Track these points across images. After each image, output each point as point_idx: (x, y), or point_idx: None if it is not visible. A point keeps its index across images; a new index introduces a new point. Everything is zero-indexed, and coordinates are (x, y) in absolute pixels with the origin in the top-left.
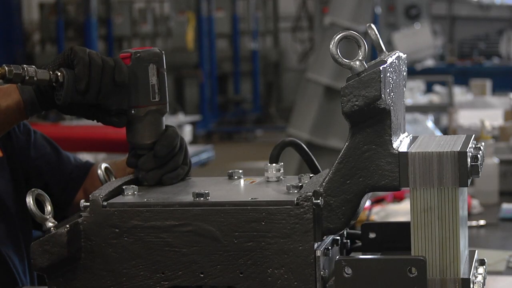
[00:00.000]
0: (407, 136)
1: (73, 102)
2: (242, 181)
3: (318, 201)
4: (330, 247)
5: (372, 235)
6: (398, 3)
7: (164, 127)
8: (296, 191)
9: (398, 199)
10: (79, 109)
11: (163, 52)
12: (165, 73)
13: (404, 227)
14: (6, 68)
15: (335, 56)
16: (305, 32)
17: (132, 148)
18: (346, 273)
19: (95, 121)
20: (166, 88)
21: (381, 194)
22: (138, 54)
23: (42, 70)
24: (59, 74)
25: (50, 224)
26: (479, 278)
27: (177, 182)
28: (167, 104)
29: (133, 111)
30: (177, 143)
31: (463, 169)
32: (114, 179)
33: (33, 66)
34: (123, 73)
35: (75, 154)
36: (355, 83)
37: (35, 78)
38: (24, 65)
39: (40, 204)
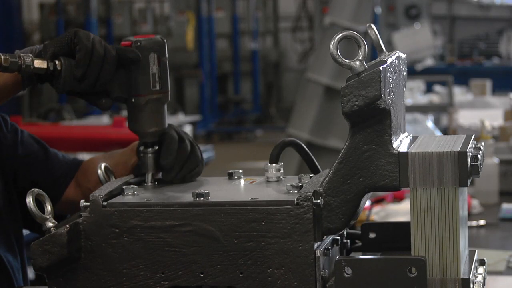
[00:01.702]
0: (407, 136)
1: (72, 90)
2: (242, 181)
3: (318, 201)
4: (330, 247)
5: (372, 235)
6: (398, 3)
7: (166, 115)
8: (296, 191)
9: (398, 199)
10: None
11: (165, 40)
12: (167, 61)
13: (404, 227)
14: (2, 57)
15: (335, 56)
16: (305, 32)
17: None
18: (346, 273)
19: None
20: (168, 77)
21: (381, 194)
22: (139, 43)
23: (40, 59)
24: (57, 62)
25: (50, 224)
26: (479, 278)
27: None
28: (169, 92)
29: (133, 100)
30: (176, 146)
31: (463, 169)
32: (114, 179)
33: (30, 55)
34: (133, 51)
35: (63, 152)
36: (355, 83)
37: (32, 67)
38: (21, 54)
39: (40, 204)
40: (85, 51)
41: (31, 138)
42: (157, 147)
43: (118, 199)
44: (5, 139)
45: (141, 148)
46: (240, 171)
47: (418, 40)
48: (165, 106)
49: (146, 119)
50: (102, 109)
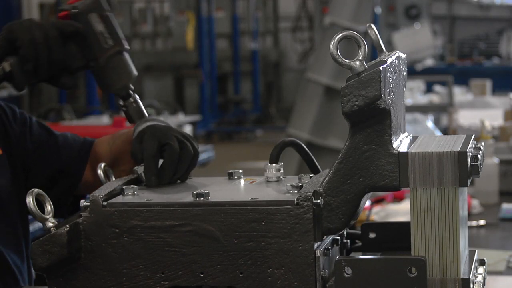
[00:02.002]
0: (407, 136)
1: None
2: (242, 181)
3: (318, 201)
4: (330, 247)
5: (372, 235)
6: (398, 3)
7: (130, 64)
8: (296, 191)
9: (398, 199)
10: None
11: None
12: (110, 13)
13: (404, 227)
14: None
15: (335, 56)
16: (305, 32)
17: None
18: (346, 273)
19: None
20: (116, 27)
21: (381, 194)
22: (75, 10)
23: None
24: (4, 64)
25: (50, 224)
26: (479, 278)
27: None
28: (123, 42)
29: (92, 65)
30: (154, 161)
31: (463, 169)
32: (114, 179)
33: None
34: (71, 24)
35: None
36: (355, 83)
37: None
38: None
39: (40, 204)
40: (27, 44)
41: (40, 127)
42: (137, 96)
43: (118, 199)
44: (14, 134)
45: (121, 102)
46: (240, 171)
47: (418, 40)
48: (126, 55)
49: (113, 77)
50: (65, 89)
